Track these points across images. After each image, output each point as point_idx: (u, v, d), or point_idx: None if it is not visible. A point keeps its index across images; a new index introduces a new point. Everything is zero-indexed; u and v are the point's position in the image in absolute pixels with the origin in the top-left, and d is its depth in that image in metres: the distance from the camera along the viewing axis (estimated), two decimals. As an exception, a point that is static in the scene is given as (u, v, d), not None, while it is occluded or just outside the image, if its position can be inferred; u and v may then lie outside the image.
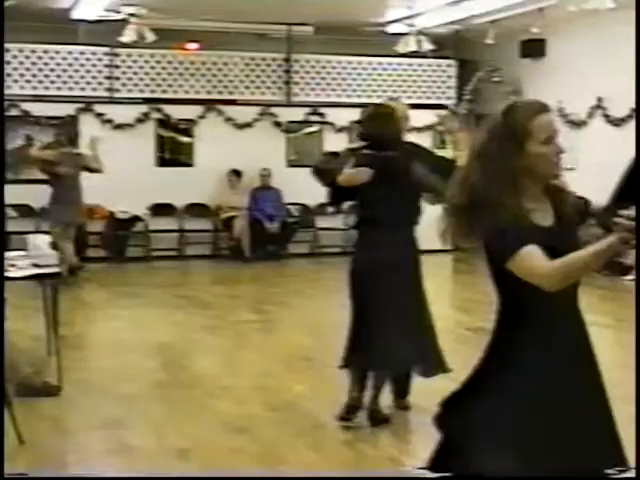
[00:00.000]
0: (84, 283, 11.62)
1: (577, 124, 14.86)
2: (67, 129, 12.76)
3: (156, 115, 15.38)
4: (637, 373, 2.29)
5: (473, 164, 3.15)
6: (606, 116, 14.28)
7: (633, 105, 13.63)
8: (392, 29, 14.78)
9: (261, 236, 15.26)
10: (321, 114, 16.09)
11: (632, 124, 13.72)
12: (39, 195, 12.64)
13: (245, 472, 5.03)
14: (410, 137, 6.41)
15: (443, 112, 16.01)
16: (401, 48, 14.52)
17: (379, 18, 14.58)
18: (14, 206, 12.86)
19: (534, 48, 15.08)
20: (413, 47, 14.31)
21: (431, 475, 3.23)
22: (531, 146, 3.10)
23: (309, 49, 15.91)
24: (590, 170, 14.24)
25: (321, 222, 15.68)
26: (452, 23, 14.06)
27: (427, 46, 14.38)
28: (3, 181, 9.52)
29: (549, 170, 3.18)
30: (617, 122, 14.01)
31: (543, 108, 3.17)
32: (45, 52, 14.56)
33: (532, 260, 3.03)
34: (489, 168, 3.10)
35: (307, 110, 16.09)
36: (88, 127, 14.32)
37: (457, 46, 16.13)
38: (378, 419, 5.99)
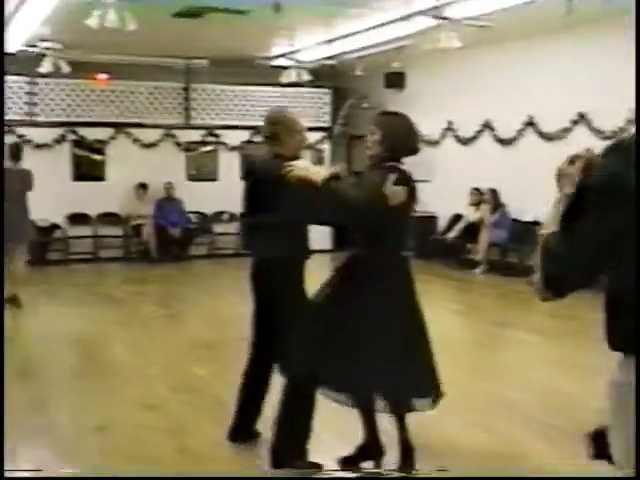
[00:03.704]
0: (9, 284, 11.31)
1: (431, 143, 15.17)
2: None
3: (72, 136, 15.13)
4: (637, 372, 2.20)
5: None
6: (456, 136, 14.62)
7: (477, 128, 13.99)
8: (276, 62, 14.84)
9: (166, 240, 15.13)
10: (216, 135, 16.07)
11: (476, 143, 14.09)
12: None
13: (245, 472, 4.74)
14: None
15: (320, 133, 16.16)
16: (284, 78, 14.59)
17: (265, 53, 14.63)
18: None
19: (396, 80, 15.34)
20: (294, 78, 14.39)
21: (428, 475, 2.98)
22: None
23: (205, 79, 15.83)
24: (443, 181, 14.59)
25: (217, 228, 15.66)
26: (327, 58, 14.16)
27: (306, 77, 14.47)
28: (2, 182, 8.91)
29: None
30: (465, 141, 14.36)
31: None
32: (-29, 81, 14.15)
33: None
34: None
35: (204, 132, 16.04)
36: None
37: (331, 77, 16.27)
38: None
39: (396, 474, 4.56)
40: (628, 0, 9.16)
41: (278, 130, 4.79)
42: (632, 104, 10.37)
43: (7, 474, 3.99)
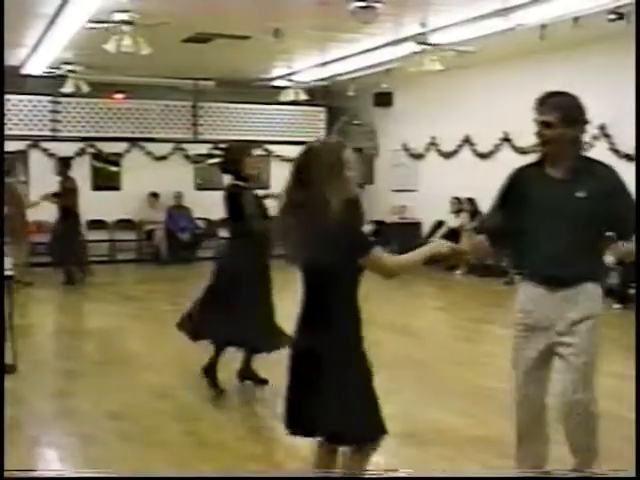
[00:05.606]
0: (35, 283, 11.27)
1: (417, 156, 15.19)
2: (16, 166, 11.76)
3: (91, 150, 15.13)
4: (637, 372, 2.07)
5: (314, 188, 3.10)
6: (438, 150, 14.63)
7: (458, 142, 13.99)
8: (276, 83, 14.85)
9: (176, 244, 15.13)
10: (221, 148, 16.02)
11: (457, 157, 14.10)
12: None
13: (244, 472, 4.44)
14: (285, 167, 6.23)
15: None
16: (283, 98, 14.59)
17: (266, 75, 14.64)
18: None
19: (384, 99, 15.31)
20: (292, 97, 14.39)
21: (429, 475, 2.92)
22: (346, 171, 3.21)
23: (211, 98, 15.83)
24: (427, 191, 14.61)
25: (223, 232, 15.62)
26: (322, 79, 14.19)
27: (302, 96, 14.47)
28: (2, 183, 8.84)
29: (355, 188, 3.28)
30: (447, 155, 14.36)
31: (344, 145, 3.33)
32: (0, 99, 14.11)
33: (384, 256, 3.15)
34: (329, 189, 3.10)
35: (210, 146, 16.02)
36: (36, 159, 14.34)
37: (326, 96, 16.28)
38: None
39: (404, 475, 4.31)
40: (596, 29, 9.22)
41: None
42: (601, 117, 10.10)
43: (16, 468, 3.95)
